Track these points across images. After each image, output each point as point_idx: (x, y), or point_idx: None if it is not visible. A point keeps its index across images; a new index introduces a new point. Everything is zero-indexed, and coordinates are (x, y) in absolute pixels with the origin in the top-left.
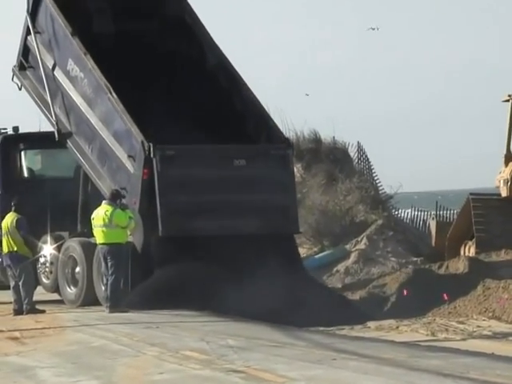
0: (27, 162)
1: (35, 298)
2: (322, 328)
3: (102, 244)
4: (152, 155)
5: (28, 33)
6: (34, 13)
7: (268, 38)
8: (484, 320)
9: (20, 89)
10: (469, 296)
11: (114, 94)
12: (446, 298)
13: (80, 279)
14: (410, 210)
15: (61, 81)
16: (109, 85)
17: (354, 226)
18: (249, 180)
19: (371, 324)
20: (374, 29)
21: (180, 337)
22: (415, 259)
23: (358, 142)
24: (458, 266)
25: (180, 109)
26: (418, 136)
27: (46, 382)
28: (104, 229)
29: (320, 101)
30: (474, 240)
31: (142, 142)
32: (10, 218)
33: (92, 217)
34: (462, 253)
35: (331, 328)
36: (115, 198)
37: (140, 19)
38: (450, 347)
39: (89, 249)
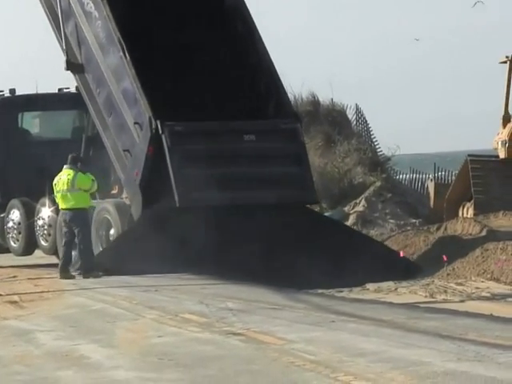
0: (25, 124)
1: (34, 261)
2: (320, 290)
3: (66, 209)
4: (160, 132)
5: None
6: None
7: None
8: (482, 281)
9: None
10: (467, 258)
11: (127, 55)
12: (444, 259)
13: None
14: (408, 173)
15: (75, 9)
16: (123, 42)
17: (353, 189)
18: (260, 154)
19: (370, 286)
20: (417, 39)
21: (179, 300)
22: (413, 221)
23: (356, 105)
24: (457, 227)
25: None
26: (415, 97)
27: (46, 345)
28: (67, 193)
29: (318, 63)
30: (472, 201)
31: (150, 119)
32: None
33: (54, 183)
34: (460, 214)
35: (330, 290)
36: (75, 162)
37: None
38: (448, 309)
39: (124, 210)
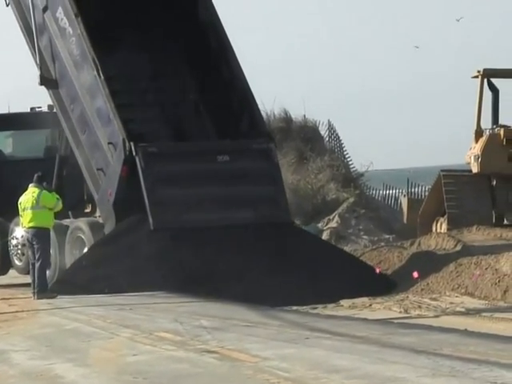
0: None
1: (8, 281)
2: (295, 307)
3: (29, 228)
4: (134, 153)
5: None
6: None
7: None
8: (457, 296)
9: (7, 5)
10: (441, 272)
11: (101, 75)
12: (416, 276)
13: None
14: (381, 189)
15: (49, 24)
16: (97, 61)
17: (326, 205)
18: (234, 174)
19: (344, 302)
20: (417, 47)
21: (153, 318)
22: (387, 236)
23: (329, 121)
24: (430, 242)
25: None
26: (387, 113)
27: (20, 365)
28: (32, 211)
29: (290, 80)
30: (445, 216)
31: (124, 140)
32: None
33: (19, 201)
34: (433, 229)
35: (304, 307)
36: (41, 181)
37: None
38: (423, 324)
39: (97, 229)
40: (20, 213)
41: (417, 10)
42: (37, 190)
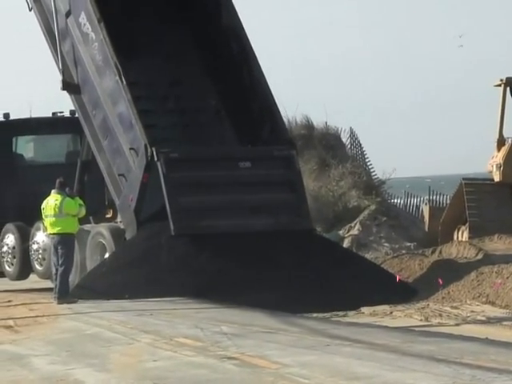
0: (19, 148)
1: (29, 285)
2: (315, 314)
3: (54, 234)
4: (156, 159)
5: None
6: None
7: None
8: (478, 305)
9: (30, 10)
10: (462, 281)
11: (123, 80)
12: (440, 282)
13: None
14: (402, 197)
15: (71, 29)
16: (119, 66)
17: (347, 212)
18: (255, 181)
19: (365, 310)
20: (460, 36)
21: (174, 324)
22: (408, 244)
23: (351, 128)
24: (452, 251)
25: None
26: (409, 121)
27: (40, 370)
28: (55, 218)
29: (313, 86)
30: (467, 225)
31: (145, 146)
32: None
33: (42, 207)
34: (455, 238)
35: (325, 314)
36: (63, 187)
37: None
38: (443, 332)
39: (118, 234)
40: (43, 218)
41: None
42: (60, 197)
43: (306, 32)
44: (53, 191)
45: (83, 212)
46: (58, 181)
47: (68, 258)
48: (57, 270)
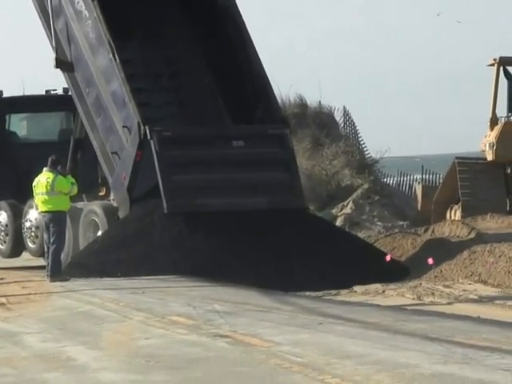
0: (12, 126)
1: (21, 263)
2: (308, 293)
3: (45, 212)
4: (149, 137)
5: None
6: None
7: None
8: (470, 284)
9: None
10: (455, 260)
11: (116, 58)
12: (431, 262)
13: None
14: (395, 176)
15: (65, 6)
16: (113, 44)
17: (340, 191)
18: (248, 159)
19: (357, 288)
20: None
21: (166, 302)
22: (401, 223)
23: (344, 107)
24: (444, 230)
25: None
26: (401, 100)
27: (33, 347)
28: (46, 196)
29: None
30: (459, 204)
31: (139, 124)
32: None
33: (34, 184)
34: (447, 217)
35: (317, 292)
36: (55, 165)
37: None
38: (436, 311)
39: (111, 212)
40: (34, 196)
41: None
42: (51, 175)
43: (302, 7)
44: (45, 169)
45: (75, 190)
46: (50, 159)
47: (60, 236)
48: (48, 248)
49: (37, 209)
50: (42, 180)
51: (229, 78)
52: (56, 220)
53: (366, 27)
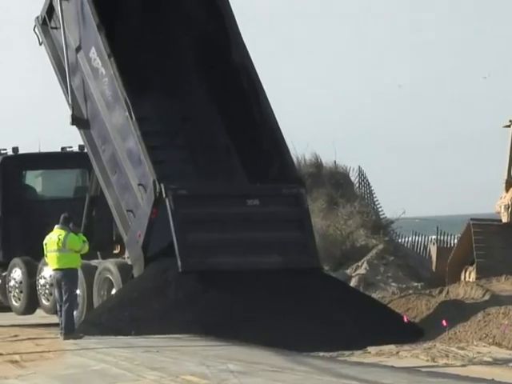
0: (28, 182)
1: (35, 320)
2: (322, 353)
3: (57, 269)
4: (164, 195)
5: None
6: None
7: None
8: (484, 346)
9: (40, 44)
10: (469, 322)
11: (133, 116)
12: (444, 324)
13: None
14: (410, 236)
15: (82, 64)
16: (129, 102)
17: (355, 251)
18: (263, 218)
19: (371, 349)
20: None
21: (180, 361)
22: (416, 284)
23: (359, 167)
24: (459, 291)
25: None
26: (417, 161)
27: None
28: (58, 253)
29: (322, 124)
30: (474, 265)
31: (154, 182)
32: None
33: (44, 242)
34: (462, 278)
35: (331, 353)
36: (67, 222)
37: None
38: (450, 373)
39: (126, 270)
40: (45, 253)
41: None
42: (63, 232)
43: (317, 68)
44: (56, 226)
45: (86, 248)
46: (62, 216)
47: (72, 293)
48: (61, 305)
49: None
50: (54, 237)
51: (244, 135)
52: (68, 277)
53: (381, 84)
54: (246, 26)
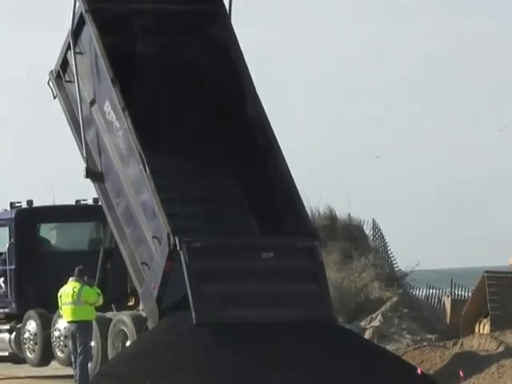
0: (42, 235)
1: (50, 372)
2: None
3: (71, 322)
4: (178, 248)
5: (69, 47)
6: (77, 30)
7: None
8: None
9: (54, 97)
10: (483, 374)
11: (147, 169)
12: (461, 375)
13: None
14: (424, 288)
15: (96, 117)
16: (143, 155)
17: (369, 303)
18: (278, 271)
19: None
20: (377, 157)
21: None
22: (430, 336)
23: (373, 220)
24: (473, 343)
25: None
26: (430, 213)
27: None
28: (72, 306)
29: (336, 177)
30: (488, 318)
31: (168, 235)
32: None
33: (59, 294)
34: (476, 330)
35: None
36: (82, 275)
37: (185, 47)
38: None
39: (140, 322)
40: (60, 306)
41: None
42: (78, 285)
43: (331, 120)
44: (71, 279)
45: (101, 301)
46: (77, 269)
47: (86, 345)
48: (75, 358)
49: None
50: (68, 290)
51: (258, 188)
52: (82, 329)
53: (394, 137)
54: (262, 71)
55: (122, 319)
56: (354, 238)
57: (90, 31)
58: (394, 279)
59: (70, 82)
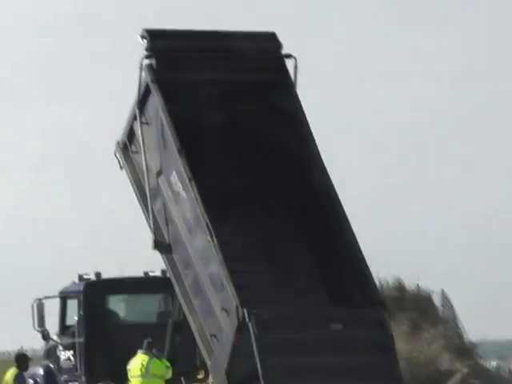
0: (111, 307)
1: None
2: None
3: None
4: (247, 320)
5: (135, 118)
6: (143, 100)
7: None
8: None
9: (121, 168)
10: None
11: (214, 240)
12: None
13: None
14: (495, 359)
15: (163, 188)
16: (210, 226)
17: (439, 375)
18: (347, 343)
19: None
20: None
21: None
22: None
23: (442, 290)
24: None
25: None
26: (499, 281)
27: None
28: (141, 379)
29: (405, 246)
30: None
31: (237, 307)
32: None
33: (128, 367)
34: None
35: None
36: (151, 348)
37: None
38: None
39: None
40: (129, 379)
41: None
42: (146, 358)
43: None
44: (139, 351)
45: (170, 374)
46: (145, 341)
47: None
48: None
49: None
50: (137, 363)
51: (326, 259)
52: None
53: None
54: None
55: None
56: (423, 309)
57: (155, 101)
58: (464, 350)
59: (136, 152)
